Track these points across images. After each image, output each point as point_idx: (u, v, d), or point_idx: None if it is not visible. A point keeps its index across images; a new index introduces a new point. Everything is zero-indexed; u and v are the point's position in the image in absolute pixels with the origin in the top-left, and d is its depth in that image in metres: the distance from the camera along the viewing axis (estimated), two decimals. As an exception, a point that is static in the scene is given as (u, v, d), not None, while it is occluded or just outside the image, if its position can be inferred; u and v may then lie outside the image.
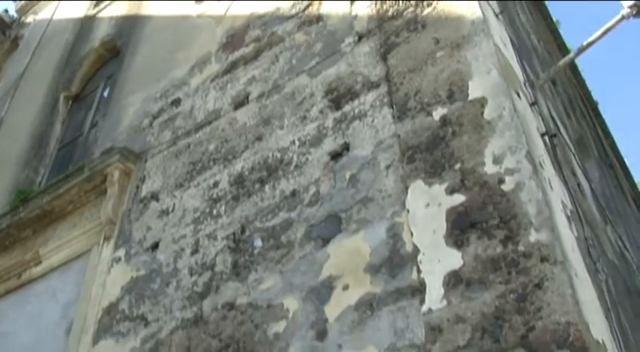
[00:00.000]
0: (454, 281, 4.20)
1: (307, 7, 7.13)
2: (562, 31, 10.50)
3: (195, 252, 5.99)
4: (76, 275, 7.17)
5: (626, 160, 11.71)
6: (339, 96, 5.95)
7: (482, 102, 4.90)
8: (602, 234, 6.38)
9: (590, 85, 11.12)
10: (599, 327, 4.07)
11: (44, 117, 10.34)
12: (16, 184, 9.36)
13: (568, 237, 4.42)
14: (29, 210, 7.96)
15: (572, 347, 3.61)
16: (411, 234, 4.59)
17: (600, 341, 3.93)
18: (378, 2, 6.33)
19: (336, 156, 5.54)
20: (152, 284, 6.15)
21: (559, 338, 3.67)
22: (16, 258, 7.95)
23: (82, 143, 9.45)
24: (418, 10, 5.91)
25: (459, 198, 4.52)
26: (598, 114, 11.13)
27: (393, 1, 6.19)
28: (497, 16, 5.98)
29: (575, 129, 8.62)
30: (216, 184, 6.33)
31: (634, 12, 5.69)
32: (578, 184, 6.26)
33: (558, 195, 4.79)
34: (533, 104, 5.50)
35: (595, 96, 11.14)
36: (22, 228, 8.04)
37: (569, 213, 4.85)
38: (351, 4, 6.65)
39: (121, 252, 6.75)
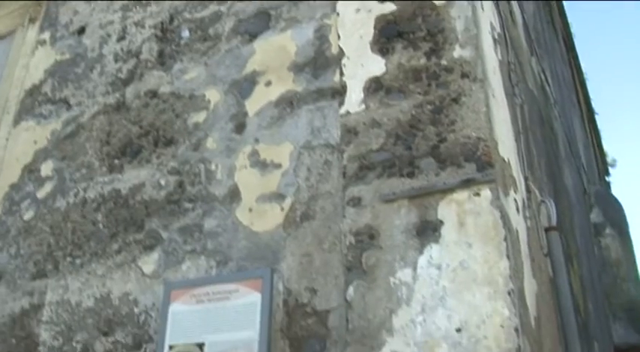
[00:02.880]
0: (375, 87, 4.22)
1: None
2: None
3: (121, 38, 5.87)
4: (-2, 57, 7.04)
5: (563, -1, 11.79)
6: None
7: None
8: (526, 64, 6.48)
9: None
10: (507, 146, 4.21)
11: None
12: None
13: (491, 58, 4.46)
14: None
15: (479, 161, 3.70)
16: (338, 36, 4.57)
17: (506, 159, 4.07)
18: None
19: (270, -48, 5.38)
20: (76, 68, 6.06)
21: (468, 151, 3.75)
22: None
23: None
24: None
25: (389, 7, 4.47)
26: (544, -48, 11.02)
27: None
28: None
29: (518, -38, 8.52)
30: (147, -29, 6.13)
31: None
32: (511, 12, 6.26)
33: (488, 16, 4.78)
34: None
35: None
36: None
37: (496, 36, 4.88)
38: None
39: (46, 35, 6.59)
